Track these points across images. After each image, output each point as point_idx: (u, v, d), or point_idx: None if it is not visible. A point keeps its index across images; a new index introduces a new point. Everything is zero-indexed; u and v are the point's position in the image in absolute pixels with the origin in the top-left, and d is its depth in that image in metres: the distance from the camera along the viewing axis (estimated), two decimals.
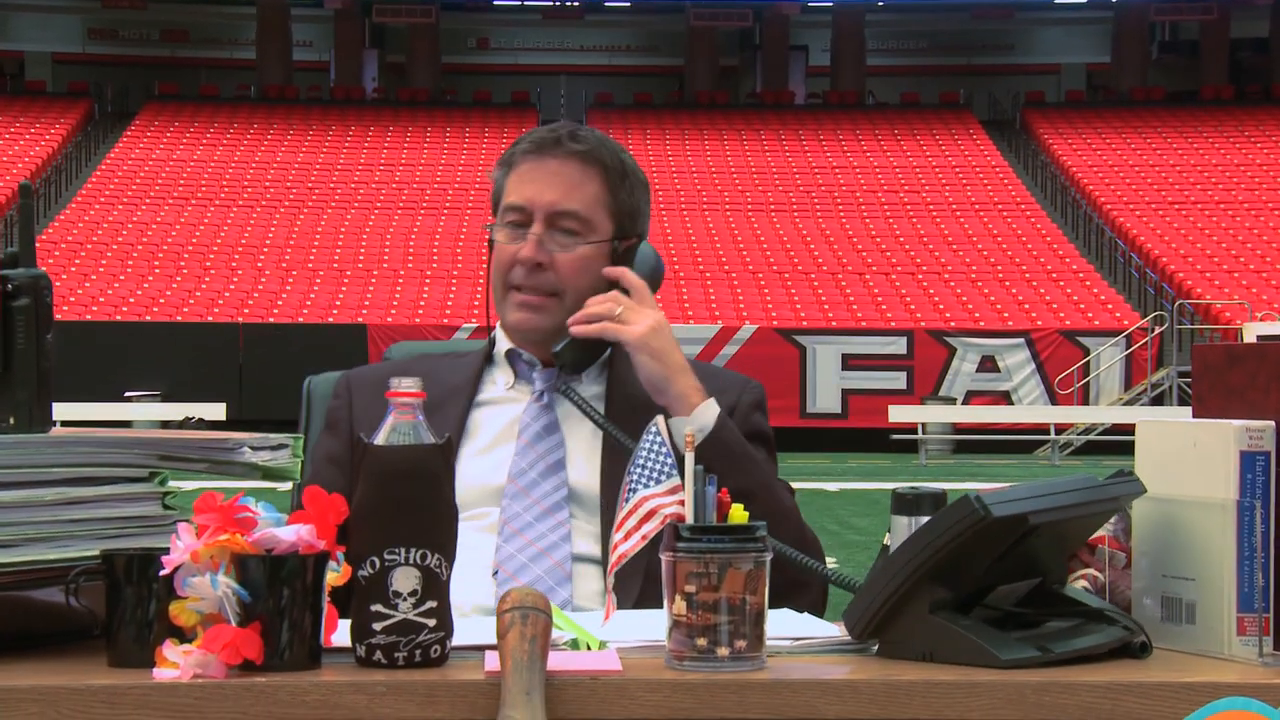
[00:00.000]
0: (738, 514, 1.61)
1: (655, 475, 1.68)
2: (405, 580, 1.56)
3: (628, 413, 2.27)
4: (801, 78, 40.70)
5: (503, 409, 2.39)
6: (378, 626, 1.56)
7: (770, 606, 1.59)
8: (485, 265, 2.48)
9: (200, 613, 1.48)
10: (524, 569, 2.18)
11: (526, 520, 2.23)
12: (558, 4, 42.32)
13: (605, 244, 2.40)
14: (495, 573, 2.19)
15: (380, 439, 1.59)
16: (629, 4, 43.20)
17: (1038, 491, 1.60)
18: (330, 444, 2.43)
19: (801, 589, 2.10)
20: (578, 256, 2.38)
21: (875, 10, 41.11)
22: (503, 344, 2.45)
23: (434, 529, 1.58)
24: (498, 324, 2.46)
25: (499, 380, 2.43)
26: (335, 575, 1.58)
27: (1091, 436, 24.15)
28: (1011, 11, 41.96)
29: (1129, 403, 25.00)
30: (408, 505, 1.57)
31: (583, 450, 2.31)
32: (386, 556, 1.56)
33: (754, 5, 39.69)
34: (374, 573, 1.56)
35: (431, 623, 1.56)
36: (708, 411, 2.26)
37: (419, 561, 1.56)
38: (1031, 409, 25.13)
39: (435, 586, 1.57)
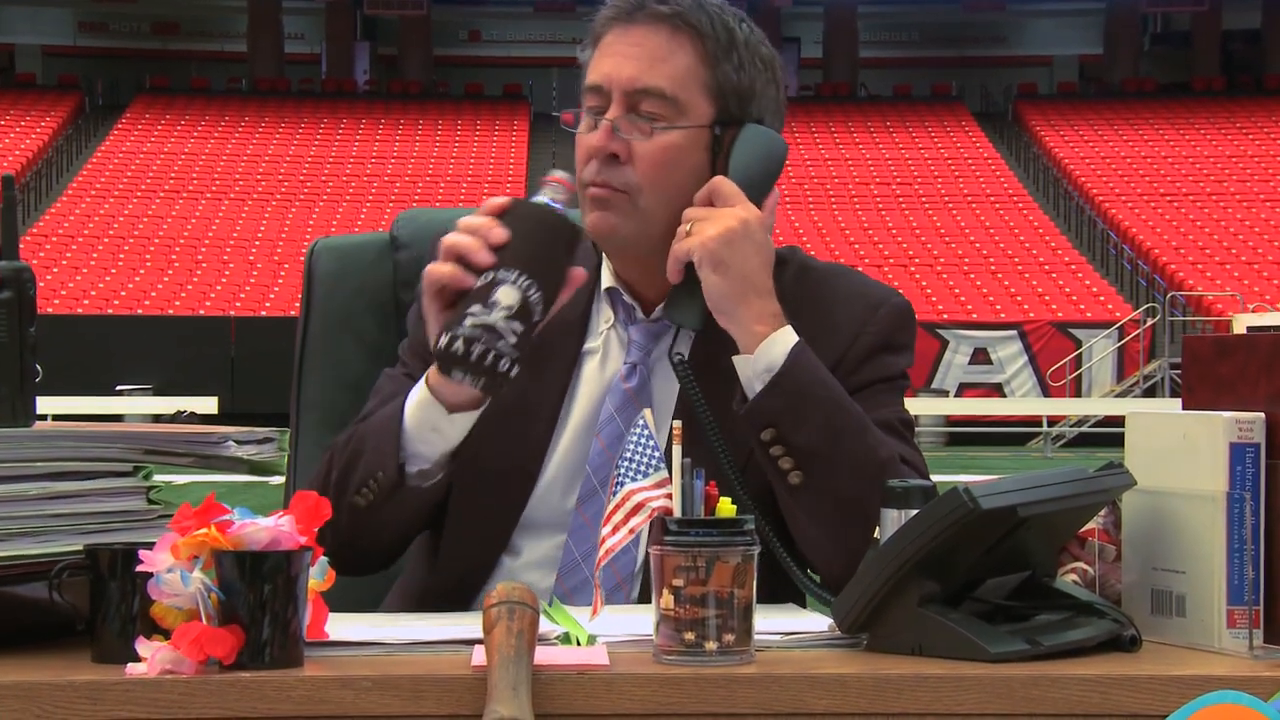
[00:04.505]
0: (725, 507, 1.60)
1: (642, 468, 1.67)
2: (508, 295, 1.75)
3: (709, 376, 1.94)
4: (794, 70, 40.64)
5: (600, 373, 2.06)
6: (469, 322, 1.74)
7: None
8: None
9: (180, 609, 1.47)
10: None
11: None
12: None
13: (701, 131, 1.98)
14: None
15: (536, 199, 1.81)
16: None
17: (1027, 484, 1.59)
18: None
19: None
20: (658, 147, 1.96)
21: (867, 2, 41.07)
22: (606, 274, 2.08)
23: (548, 275, 1.79)
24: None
25: (603, 318, 2.08)
26: (318, 583, 1.57)
27: (1084, 428, 24.18)
28: (1003, 3, 41.95)
29: (1121, 394, 25.03)
30: (535, 247, 1.78)
31: (664, 415, 1.98)
32: (500, 273, 1.76)
33: None
34: (484, 284, 1.76)
35: (514, 339, 1.74)
36: (775, 348, 1.91)
37: (524, 287, 1.76)
38: (1024, 401, 25.16)
39: (528, 316, 1.76)
